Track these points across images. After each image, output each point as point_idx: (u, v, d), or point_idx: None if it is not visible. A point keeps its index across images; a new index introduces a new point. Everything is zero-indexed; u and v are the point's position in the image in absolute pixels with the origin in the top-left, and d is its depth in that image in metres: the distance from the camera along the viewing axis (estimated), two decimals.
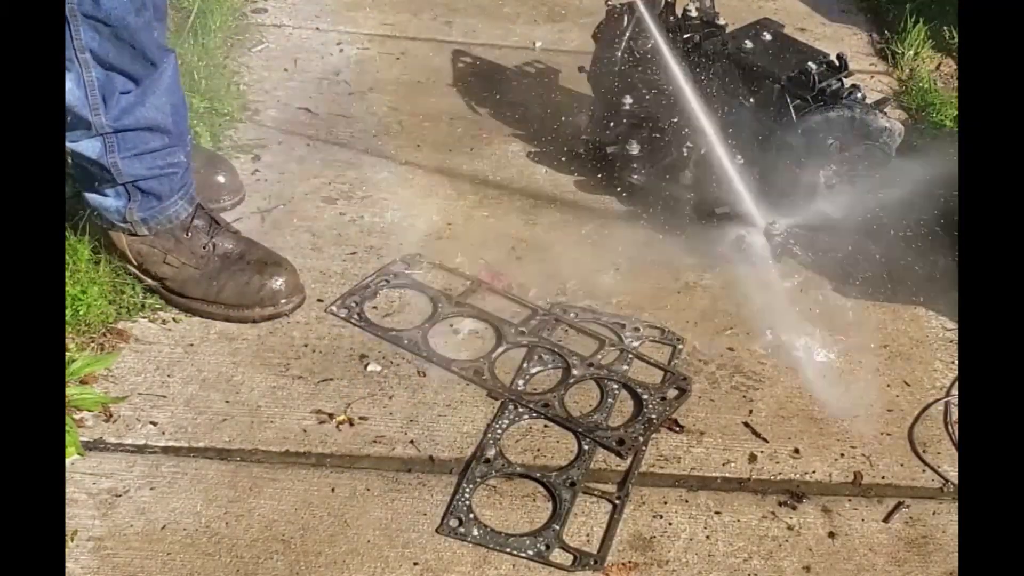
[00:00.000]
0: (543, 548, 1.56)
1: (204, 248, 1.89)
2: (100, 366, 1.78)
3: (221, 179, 2.13)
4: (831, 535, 1.63)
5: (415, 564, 1.54)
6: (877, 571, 1.59)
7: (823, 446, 1.78)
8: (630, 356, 1.91)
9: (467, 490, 1.63)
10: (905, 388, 1.90)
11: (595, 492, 1.66)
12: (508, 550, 1.55)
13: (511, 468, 1.68)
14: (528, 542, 1.57)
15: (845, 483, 1.72)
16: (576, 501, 1.64)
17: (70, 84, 1.65)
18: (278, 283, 1.90)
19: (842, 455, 1.77)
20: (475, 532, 1.58)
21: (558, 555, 1.56)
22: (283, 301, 1.91)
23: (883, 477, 1.74)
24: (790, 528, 1.64)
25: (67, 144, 1.73)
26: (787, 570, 1.58)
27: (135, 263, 1.90)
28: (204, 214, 1.91)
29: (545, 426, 1.77)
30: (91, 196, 1.84)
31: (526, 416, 1.77)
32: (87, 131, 1.71)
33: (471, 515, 1.60)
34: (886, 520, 1.66)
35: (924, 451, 1.78)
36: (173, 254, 1.88)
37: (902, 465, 1.76)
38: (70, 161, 1.82)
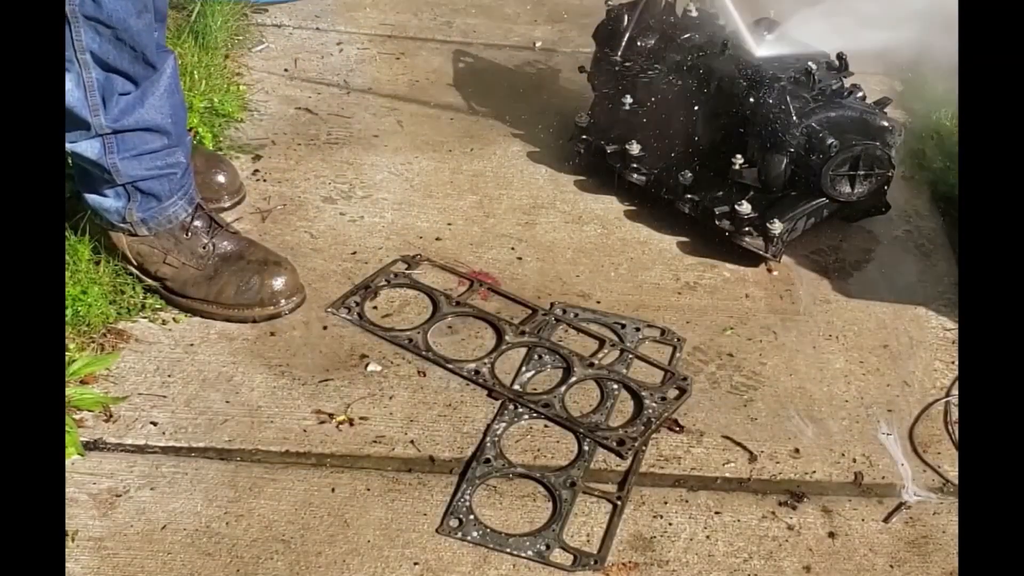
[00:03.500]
0: (543, 548, 1.56)
1: (204, 248, 1.89)
2: (100, 366, 1.78)
3: (221, 179, 2.13)
4: (831, 535, 1.63)
5: (415, 564, 1.54)
6: (877, 571, 1.59)
7: (823, 446, 1.78)
8: (630, 356, 1.91)
9: (467, 490, 1.63)
10: (905, 388, 1.90)
11: (595, 492, 1.66)
12: (508, 550, 1.55)
13: (511, 468, 1.68)
14: (528, 542, 1.57)
15: (845, 483, 1.72)
16: (576, 501, 1.64)
17: (70, 85, 1.65)
18: (278, 283, 1.90)
19: (842, 455, 1.77)
20: (475, 532, 1.58)
21: (558, 555, 1.56)
22: (283, 301, 1.91)
23: (883, 477, 1.74)
24: (790, 528, 1.64)
25: (67, 145, 1.73)
26: (787, 570, 1.58)
27: (135, 263, 1.90)
28: (204, 214, 1.91)
29: (545, 426, 1.77)
30: (91, 197, 1.84)
31: (526, 416, 1.77)
32: (86, 132, 1.71)
33: (471, 515, 1.60)
34: (886, 520, 1.66)
35: (924, 451, 1.78)
36: (173, 254, 1.88)
37: (902, 465, 1.76)
38: (70, 162, 1.82)
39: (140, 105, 1.74)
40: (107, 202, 1.84)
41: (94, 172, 1.79)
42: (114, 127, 1.72)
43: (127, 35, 1.65)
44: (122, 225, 1.86)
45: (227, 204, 2.13)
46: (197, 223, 1.90)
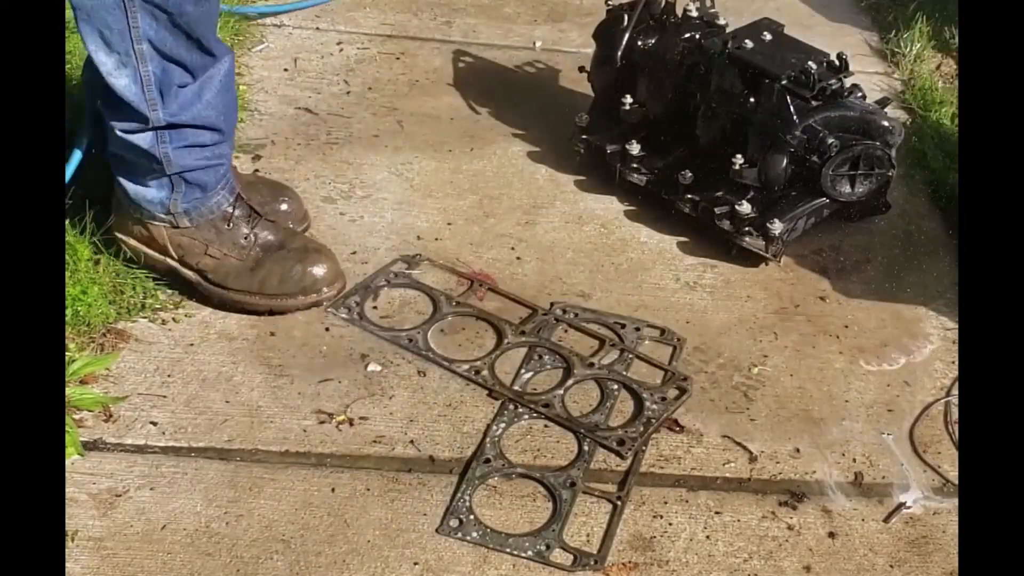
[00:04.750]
0: (543, 548, 1.56)
1: (246, 239, 1.88)
2: (100, 366, 1.78)
3: (285, 207, 2.09)
4: (831, 535, 1.63)
5: (415, 564, 1.54)
6: (877, 571, 1.59)
7: (823, 446, 1.78)
8: (630, 356, 1.91)
9: (467, 490, 1.63)
10: (905, 388, 1.90)
11: (595, 492, 1.66)
12: (508, 550, 1.55)
13: (511, 468, 1.68)
14: (528, 542, 1.57)
15: (845, 483, 1.72)
16: (576, 501, 1.64)
17: (126, 80, 1.65)
18: (320, 271, 1.90)
19: (842, 455, 1.77)
20: (475, 532, 1.58)
21: (558, 555, 1.56)
22: (325, 289, 1.91)
23: (883, 477, 1.74)
24: (790, 528, 1.64)
25: (119, 133, 1.72)
26: (787, 570, 1.58)
27: (175, 256, 1.89)
28: (243, 204, 1.91)
29: (545, 426, 1.77)
30: (132, 187, 1.82)
31: (526, 416, 1.77)
32: (143, 125, 1.70)
33: (471, 515, 1.60)
34: (886, 520, 1.66)
35: (924, 451, 1.78)
36: (215, 245, 1.87)
37: (902, 465, 1.76)
38: (113, 151, 1.80)
39: (198, 100, 1.73)
40: (150, 192, 1.82)
41: (141, 161, 1.77)
42: (171, 121, 1.71)
43: (183, 20, 1.63)
44: (164, 216, 1.85)
45: None
46: (238, 213, 1.89)
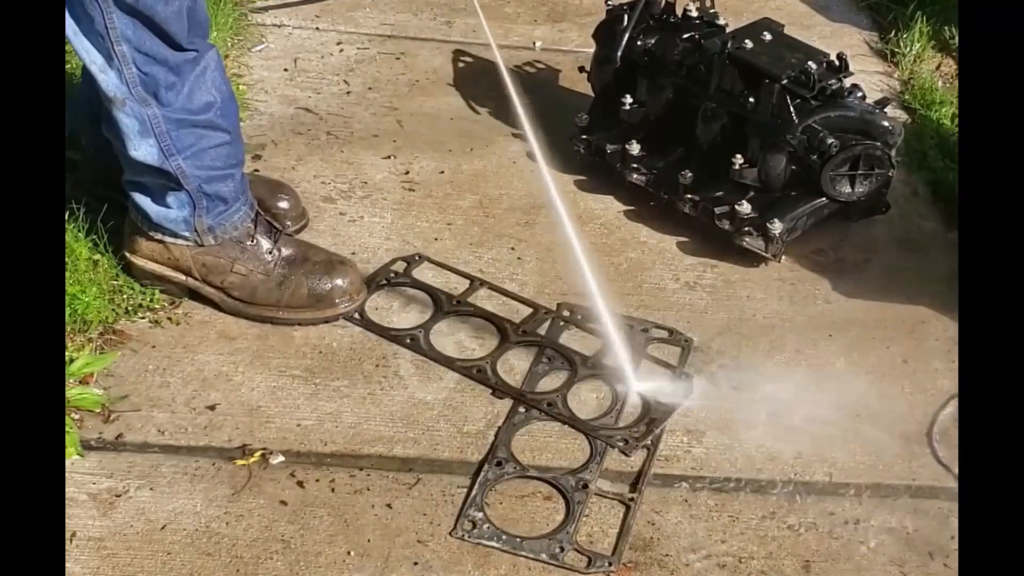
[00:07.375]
0: (557, 550, 1.55)
1: (270, 254, 1.88)
2: (100, 366, 1.78)
3: (284, 205, 2.09)
4: (831, 535, 1.63)
5: (415, 564, 1.54)
6: (877, 571, 1.59)
7: (824, 446, 1.78)
8: (637, 357, 1.90)
9: (480, 492, 1.63)
10: (905, 388, 1.90)
11: (607, 494, 1.65)
12: (522, 553, 1.55)
13: (523, 470, 1.67)
14: (542, 544, 1.56)
15: (845, 483, 1.72)
16: (588, 503, 1.63)
17: (116, 82, 1.65)
18: (346, 281, 1.90)
19: (842, 455, 1.76)
20: (489, 535, 1.57)
21: (572, 557, 1.55)
22: (348, 300, 1.90)
23: (884, 477, 1.74)
24: (790, 528, 1.64)
25: (130, 153, 1.72)
26: (787, 570, 1.58)
27: (199, 276, 1.88)
28: (263, 219, 1.91)
29: (557, 428, 1.76)
30: (154, 209, 1.82)
31: (536, 417, 1.77)
32: (143, 126, 1.70)
33: (484, 517, 1.59)
34: (887, 520, 1.66)
35: (925, 451, 1.78)
36: (240, 262, 1.86)
37: (902, 465, 1.76)
38: (129, 179, 1.80)
39: (189, 100, 1.72)
40: (172, 213, 1.81)
41: (158, 182, 1.77)
42: (167, 115, 1.70)
43: (156, 20, 1.62)
44: (189, 235, 1.84)
45: (291, 230, 2.08)
46: (259, 229, 1.89)
